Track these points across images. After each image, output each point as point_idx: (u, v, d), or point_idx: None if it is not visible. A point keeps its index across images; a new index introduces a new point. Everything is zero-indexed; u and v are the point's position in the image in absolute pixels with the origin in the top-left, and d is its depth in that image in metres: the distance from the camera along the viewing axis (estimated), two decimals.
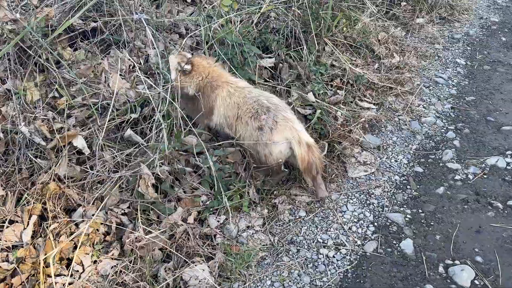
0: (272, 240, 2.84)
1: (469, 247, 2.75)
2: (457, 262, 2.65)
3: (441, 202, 3.12)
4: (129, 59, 3.85)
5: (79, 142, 2.87)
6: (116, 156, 2.94)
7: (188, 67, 3.23)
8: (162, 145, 2.85)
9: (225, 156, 3.18)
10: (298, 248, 2.78)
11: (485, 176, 3.33)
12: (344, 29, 4.87)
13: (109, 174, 2.84)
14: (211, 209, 2.95)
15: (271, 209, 3.07)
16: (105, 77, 3.58)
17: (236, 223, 2.92)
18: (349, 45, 4.82)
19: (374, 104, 4.25)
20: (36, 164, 2.85)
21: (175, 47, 4.06)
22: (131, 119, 3.23)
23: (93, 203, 2.83)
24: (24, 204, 2.69)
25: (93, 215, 2.71)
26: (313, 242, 2.82)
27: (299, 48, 4.32)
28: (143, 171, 2.75)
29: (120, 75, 3.58)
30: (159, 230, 2.74)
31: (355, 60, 4.74)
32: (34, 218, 2.62)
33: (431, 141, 3.78)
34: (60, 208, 2.75)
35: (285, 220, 2.99)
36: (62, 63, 3.34)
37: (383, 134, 3.86)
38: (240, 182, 3.08)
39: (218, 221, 2.89)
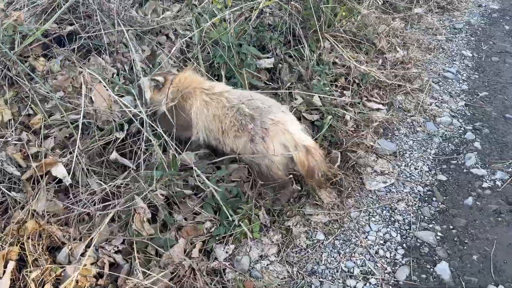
0: (290, 271, 2.48)
1: (511, 268, 2.44)
2: (501, 287, 2.34)
3: (471, 215, 2.80)
4: (113, 66, 3.43)
5: (59, 171, 2.46)
6: (103, 184, 2.53)
7: (160, 78, 2.89)
8: (156, 172, 2.45)
9: (228, 175, 2.80)
10: (321, 280, 2.43)
11: None
12: (344, 23, 4.51)
13: (97, 206, 2.43)
14: (217, 238, 2.58)
15: (285, 233, 2.70)
16: (85, 89, 3.15)
17: (247, 252, 2.55)
18: (351, 40, 4.46)
19: (383, 104, 3.91)
20: (9, 198, 2.43)
21: (163, 50, 3.64)
22: (118, 138, 2.81)
23: (79, 239, 2.43)
24: None
25: (81, 254, 2.31)
26: (337, 271, 2.48)
27: (299, 46, 3.95)
28: (138, 205, 2.35)
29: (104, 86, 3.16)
30: (159, 268, 2.36)
31: (357, 57, 4.39)
32: (11, 264, 2.19)
33: (450, 144, 3.46)
34: (42, 248, 2.34)
35: (302, 246, 2.63)
36: (36, 75, 2.91)
37: (397, 138, 3.53)
38: (248, 203, 2.71)
39: (226, 252, 2.52)
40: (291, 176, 2.82)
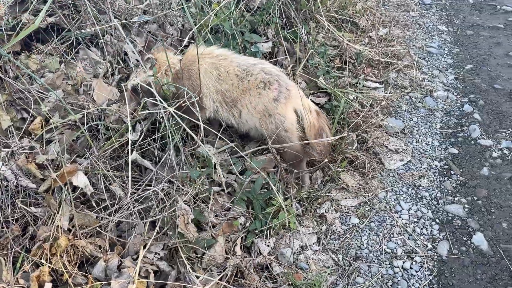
0: (335, 258, 2.43)
1: None
2: None
3: (491, 185, 2.90)
4: (105, 60, 3.15)
5: (80, 180, 2.21)
6: (130, 189, 2.31)
7: (150, 55, 2.71)
8: (192, 172, 2.28)
9: (262, 167, 2.67)
10: (368, 264, 2.41)
11: None
12: (328, 3, 4.46)
13: (131, 214, 2.22)
14: (256, 232, 2.47)
15: (319, 220, 2.65)
16: (82, 86, 2.87)
17: (288, 244, 2.47)
18: (339, 20, 4.43)
19: (379, 82, 3.93)
20: (27, 214, 2.16)
21: (156, 40, 3.39)
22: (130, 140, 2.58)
23: (111, 250, 2.23)
24: (26, 271, 2.02)
25: (118, 267, 2.12)
26: (381, 253, 2.46)
27: (294, 28, 3.84)
28: (180, 207, 2.18)
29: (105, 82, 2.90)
30: (204, 270, 2.22)
31: (343, 36, 4.36)
32: (48, 286, 1.96)
33: (452, 117, 3.55)
34: (72, 265, 2.12)
35: (339, 232, 2.59)
36: (23, 75, 2.59)
37: (401, 115, 3.57)
38: (278, 195, 2.61)
39: (268, 246, 2.42)
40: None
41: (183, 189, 2.29)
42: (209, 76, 2.64)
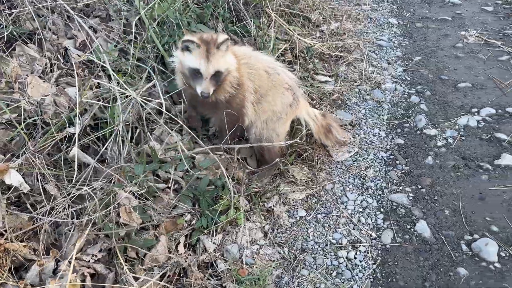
0: (281, 252, 2.42)
1: (480, 217, 2.63)
2: (476, 236, 2.51)
3: (435, 173, 2.96)
4: (43, 57, 3.01)
5: (14, 178, 2.10)
6: (66, 187, 2.22)
7: (194, 38, 2.44)
8: (136, 168, 2.21)
9: (211, 166, 2.62)
10: (314, 256, 2.41)
11: (463, 138, 3.26)
12: None
13: (68, 215, 2.13)
14: (202, 230, 2.42)
15: (267, 215, 2.63)
16: (17, 82, 2.73)
17: (234, 240, 2.44)
18: (290, 14, 4.43)
19: (329, 76, 3.96)
20: None
21: (99, 34, 3.27)
22: (68, 134, 2.49)
23: (47, 254, 2.13)
24: None
25: (54, 271, 2.03)
26: (326, 244, 2.47)
27: (246, 22, 3.81)
28: (121, 196, 2.10)
29: (40, 77, 2.77)
30: (145, 271, 2.16)
31: (297, 30, 4.37)
32: None
33: (399, 109, 3.62)
34: (3, 271, 2.01)
35: (286, 225, 2.58)
36: None
37: (350, 107, 3.60)
38: (225, 191, 2.57)
39: (214, 243, 2.38)
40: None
41: (125, 184, 2.21)
42: (249, 78, 2.66)
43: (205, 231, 2.41)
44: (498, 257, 2.39)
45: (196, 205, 2.52)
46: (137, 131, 2.72)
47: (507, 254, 2.40)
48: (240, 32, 3.72)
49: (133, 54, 2.85)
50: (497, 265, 2.35)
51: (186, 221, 2.45)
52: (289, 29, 4.06)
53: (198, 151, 2.67)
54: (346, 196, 2.77)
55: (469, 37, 4.72)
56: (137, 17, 2.91)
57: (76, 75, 2.94)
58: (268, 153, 2.80)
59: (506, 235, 2.51)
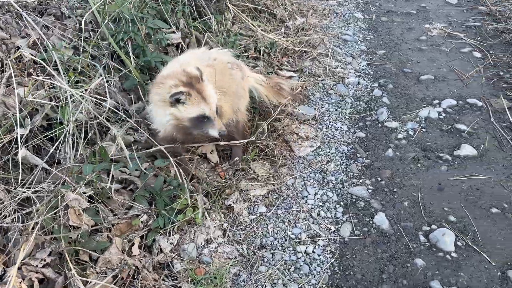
0: (240, 249, 2.39)
1: (438, 208, 2.65)
2: (434, 226, 2.53)
3: (395, 166, 2.98)
4: None
5: None
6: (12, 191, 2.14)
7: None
8: (85, 167, 2.15)
9: (166, 166, 2.57)
10: (272, 251, 2.39)
11: (424, 130, 3.29)
12: None
13: (12, 218, 2.05)
14: (159, 230, 2.37)
15: (227, 212, 2.60)
16: None
17: (192, 239, 2.40)
18: (254, 10, 4.39)
19: (294, 71, 3.94)
20: None
21: (53, 32, 3.18)
22: (20, 135, 2.40)
23: None
24: None
25: (0, 277, 1.96)
26: (285, 240, 2.45)
27: (205, 18, 3.76)
28: (69, 198, 2.04)
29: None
30: (97, 275, 2.10)
31: (261, 26, 4.35)
32: None
33: (361, 102, 3.63)
34: None
35: (246, 222, 2.55)
36: None
37: (314, 102, 3.59)
38: (182, 190, 2.53)
39: (171, 243, 2.34)
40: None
41: (73, 185, 2.15)
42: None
43: (162, 231, 2.37)
44: (455, 246, 2.41)
45: (153, 205, 2.47)
46: (92, 131, 2.66)
47: (464, 244, 2.42)
48: (202, 28, 3.67)
49: (83, 50, 2.77)
50: (453, 254, 2.37)
51: (142, 222, 2.40)
52: (253, 25, 4.03)
53: (154, 150, 2.61)
54: (306, 190, 2.76)
55: (433, 30, 4.78)
56: (87, 14, 2.83)
57: (27, 75, 2.86)
58: (237, 131, 2.79)
59: (463, 224, 2.54)
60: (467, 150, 3.05)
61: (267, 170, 2.86)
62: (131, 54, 2.96)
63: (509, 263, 2.30)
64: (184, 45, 3.57)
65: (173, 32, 3.51)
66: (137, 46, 2.98)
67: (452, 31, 4.72)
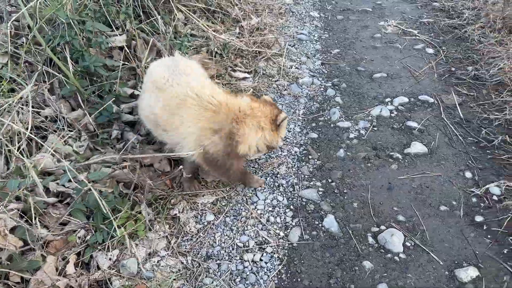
0: (184, 261, 2.30)
1: (387, 208, 2.63)
2: (382, 227, 2.50)
3: (346, 166, 2.95)
4: None
5: None
6: None
7: None
8: (10, 183, 2.01)
9: (105, 178, 2.44)
10: (218, 262, 2.31)
11: (375, 129, 3.28)
12: None
13: None
14: (97, 246, 2.26)
15: (172, 222, 2.50)
16: None
17: (133, 254, 2.29)
18: (206, 10, 4.30)
19: (248, 72, 3.87)
20: None
21: None
22: None
23: None
24: None
25: None
26: (233, 249, 2.38)
27: (151, 19, 3.64)
28: None
29: None
30: None
31: (214, 27, 4.26)
32: None
33: (315, 103, 3.59)
34: None
35: (192, 232, 2.46)
36: None
37: None
38: (124, 203, 2.41)
39: (110, 259, 2.22)
40: None
41: None
42: None
43: (100, 247, 2.25)
44: (404, 247, 2.39)
45: (91, 219, 2.35)
46: (26, 142, 2.51)
47: (412, 244, 2.41)
48: (148, 30, 3.55)
49: (11, 54, 2.62)
50: (402, 255, 2.35)
51: (79, 238, 2.28)
52: (204, 26, 3.94)
53: (93, 161, 2.49)
54: (256, 195, 2.70)
55: (387, 27, 4.80)
56: (14, 18, 2.68)
57: None
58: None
59: (412, 224, 2.53)
60: (417, 147, 3.06)
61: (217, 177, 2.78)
62: (69, 60, 2.82)
63: (456, 262, 2.30)
64: (131, 48, 3.44)
65: (117, 35, 3.38)
66: (76, 50, 2.83)
67: (406, 27, 4.75)
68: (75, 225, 2.30)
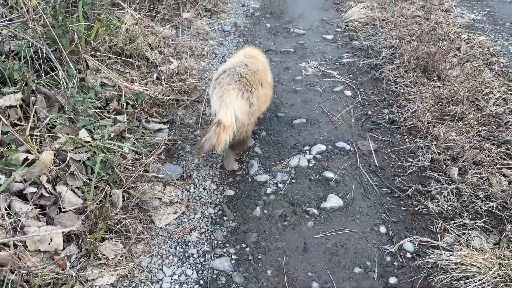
0: None
1: (302, 273, 2.53)
2: None
3: (261, 226, 2.83)
4: None
5: None
6: None
7: None
8: None
9: None
10: None
11: (293, 181, 3.20)
12: (107, 38, 4.10)
13: None
14: None
15: None
16: None
17: None
18: (118, 56, 4.09)
19: (164, 123, 3.70)
20: None
21: None
22: None
23: None
24: None
25: None
26: None
27: (54, 73, 3.38)
28: None
29: None
30: None
31: (128, 73, 4.06)
32: None
33: None
34: None
35: None
36: None
37: (183, 158, 3.37)
38: None
39: None
40: None
41: None
42: None
43: None
44: None
45: None
46: None
47: None
48: (49, 84, 3.29)
49: None
50: None
51: None
52: (113, 76, 3.72)
53: None
54: (163, 271, 2.50)
55: (308, 69, 4.83)
56: None
57: None
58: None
59: None
60: (333, 201, 3.01)
61: (119, 251, 2.55)
62: None
63: None
64: (30, 105, 3.16)
65: (14, 92, 3.09)
66: None
67: (326, 69, 4.81)
68: None
